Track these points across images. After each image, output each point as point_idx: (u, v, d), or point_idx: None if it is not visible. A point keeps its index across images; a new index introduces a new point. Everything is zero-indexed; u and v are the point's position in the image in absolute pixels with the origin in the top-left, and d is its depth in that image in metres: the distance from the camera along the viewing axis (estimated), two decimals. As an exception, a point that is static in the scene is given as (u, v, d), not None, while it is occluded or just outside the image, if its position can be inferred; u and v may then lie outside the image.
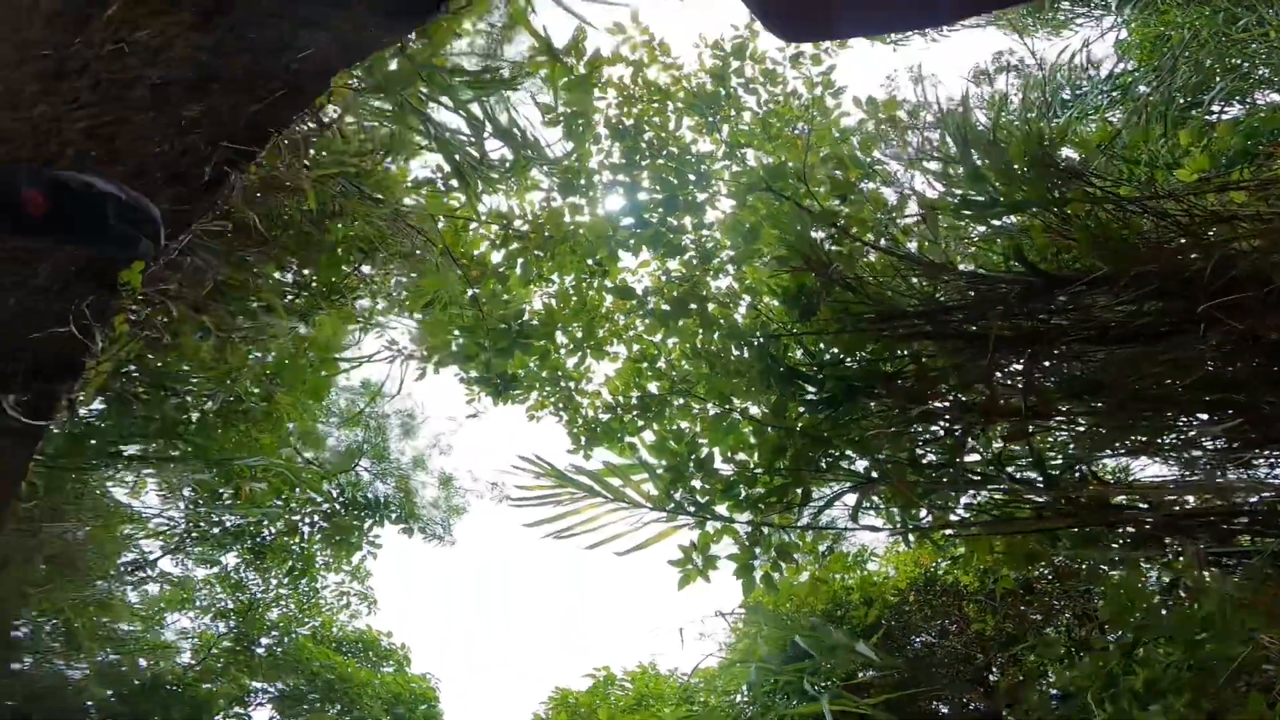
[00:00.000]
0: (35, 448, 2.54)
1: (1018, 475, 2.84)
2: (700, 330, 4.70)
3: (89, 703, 7.14)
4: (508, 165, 4.65)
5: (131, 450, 4.64)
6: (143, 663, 7.77)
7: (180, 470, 5.30)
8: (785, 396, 3.18)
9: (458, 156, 4.22)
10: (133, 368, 3.63)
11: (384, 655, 9.83)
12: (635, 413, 5.61)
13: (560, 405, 5.92)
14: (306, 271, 4.13)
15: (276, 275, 4.00)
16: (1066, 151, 3.55)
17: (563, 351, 5.69)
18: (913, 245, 3.34)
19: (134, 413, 4.19)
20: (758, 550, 3.31)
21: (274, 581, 8.64)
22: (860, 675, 5.14)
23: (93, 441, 4.25)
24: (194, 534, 7.65)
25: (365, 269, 4.76)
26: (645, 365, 5.78)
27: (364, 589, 9.44)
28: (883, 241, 3.31)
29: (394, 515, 8.21)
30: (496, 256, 5.40)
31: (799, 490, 3.06)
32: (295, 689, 8.61)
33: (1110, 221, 2.58)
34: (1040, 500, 2.82)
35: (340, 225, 4.26)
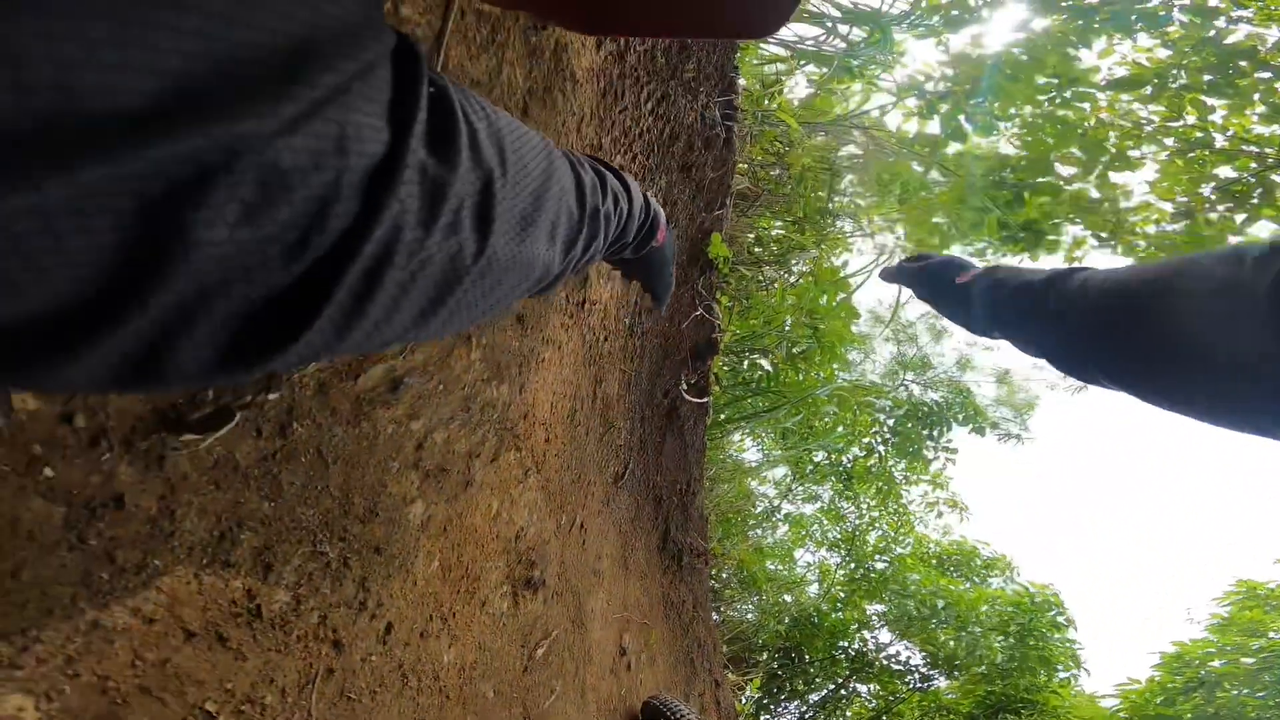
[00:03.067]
0: (707, 420, 3.07)
1: None
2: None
3: (762, 639, 8.47)
4: (868, 41, 4.09)
5: (724, 415, 5.49)
6: (787, 598, 8.92)
7: (769, 422, 6.04)
8: None
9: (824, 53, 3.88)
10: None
11: (987, 566, 9.46)
12: (1226, 205, 4.26)
13: (1106, 235, 4.84)
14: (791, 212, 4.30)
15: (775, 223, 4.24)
16: None
17: (1072, 182, 4.66)
18: None
19: (729, 378, 4.86)
20: None
21: (864, 506, 9.16)
22: None
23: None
24: (794, 476, 8.65)
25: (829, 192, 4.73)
26: (1194, 155, 4.38)
27: (951, 495, 9.15)
28: None
29: (960, 417, 7.77)
30: (932, 125, 4.74)
31: None
32: (904, 610, 8.74)
33: None
34: None
35: (794, 161, 4.33)
